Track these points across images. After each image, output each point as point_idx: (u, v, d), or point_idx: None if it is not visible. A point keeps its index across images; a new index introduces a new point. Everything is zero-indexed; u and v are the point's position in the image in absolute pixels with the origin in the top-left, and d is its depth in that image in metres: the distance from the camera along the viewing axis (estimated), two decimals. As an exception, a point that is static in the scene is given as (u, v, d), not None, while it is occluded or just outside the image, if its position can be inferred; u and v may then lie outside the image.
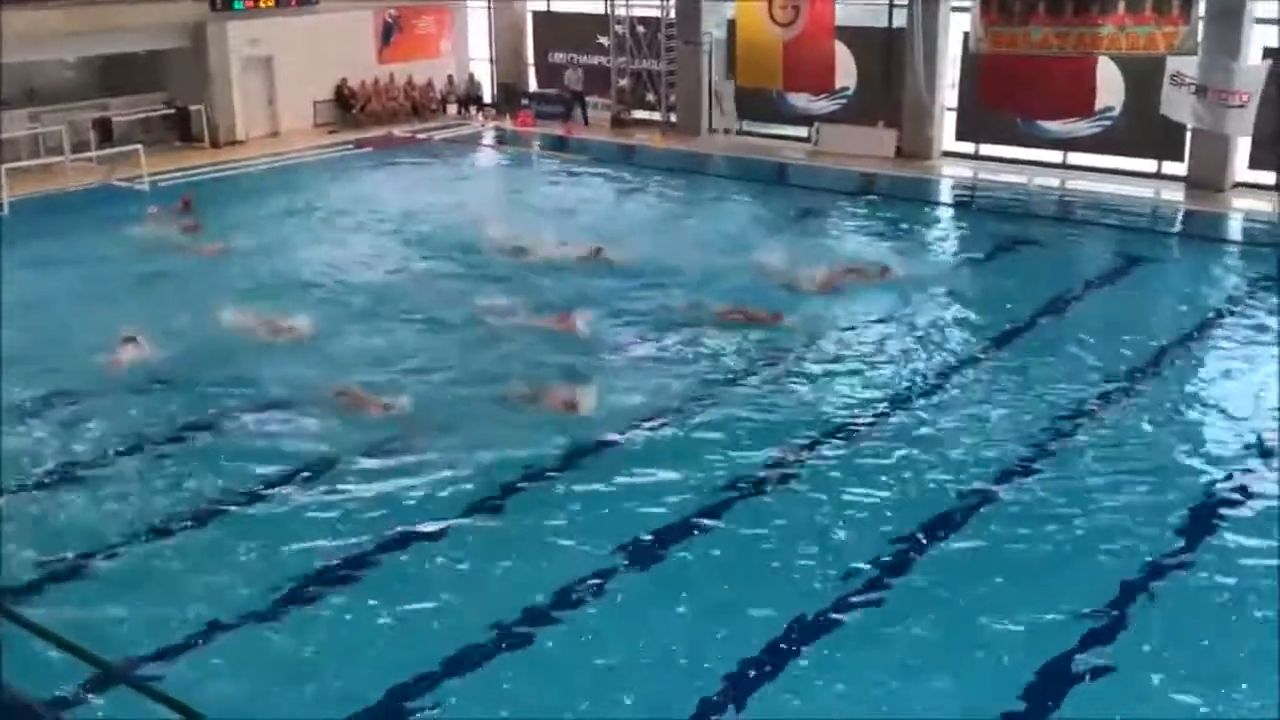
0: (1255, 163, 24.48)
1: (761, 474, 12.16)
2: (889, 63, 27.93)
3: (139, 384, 14.56)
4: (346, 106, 31.79)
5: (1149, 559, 10.55)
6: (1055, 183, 25.74)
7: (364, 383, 14.36)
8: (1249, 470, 12.19)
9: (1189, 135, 24.48)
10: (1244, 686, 8.72)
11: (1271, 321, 16.69)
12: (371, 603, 10.00)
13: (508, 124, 32.81)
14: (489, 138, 31.93)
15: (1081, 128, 25.89)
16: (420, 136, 30.94)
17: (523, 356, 15.33)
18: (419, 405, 13.74)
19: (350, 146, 29.32)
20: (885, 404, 14.07)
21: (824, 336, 16.06)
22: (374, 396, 13.87)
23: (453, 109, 33.96)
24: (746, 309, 16.68)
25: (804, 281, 17.91)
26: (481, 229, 20.88)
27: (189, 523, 11.38)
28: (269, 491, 11.97)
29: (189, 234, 21.10)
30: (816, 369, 15.03)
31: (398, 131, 31.21)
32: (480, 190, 25.98)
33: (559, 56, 33.68)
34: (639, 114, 32.40)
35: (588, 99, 32.58)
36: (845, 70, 28.20)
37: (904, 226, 22.25)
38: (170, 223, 21.53)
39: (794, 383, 14.60)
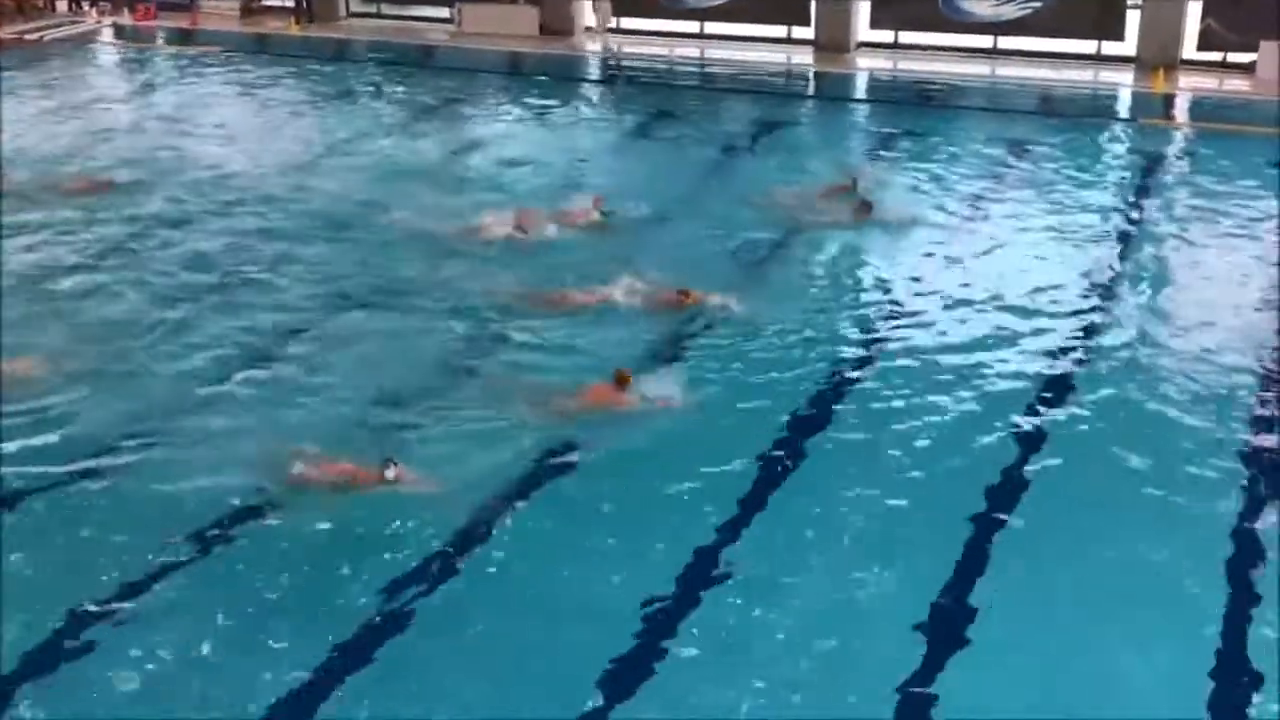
0: (875, 23, 25.95)
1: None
2: (525, -62, 27.75)
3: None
4: (-62, 9, 28.82)
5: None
6: (696, 53, 26.45)
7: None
8: (908, 318, 13.03)
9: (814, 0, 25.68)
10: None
11: (899, 172, 17.85)
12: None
13: (126, 19, 30.61)
14: (107, 35, 29.68)
15: (715, -2, 26.67)
16: (29, 38, 28.42)
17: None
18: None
19: (-52, 53, 26.63)
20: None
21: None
22: (359, 464, 9.65)
23: (62, 5, 31.36)
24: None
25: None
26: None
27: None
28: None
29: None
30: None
31: (2, 34, 28.53)
32: (134, 102, 23.59)
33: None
34: (270, 1, 30.98)
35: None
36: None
37: (553, 104, 22.32)
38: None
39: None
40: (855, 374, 11.66)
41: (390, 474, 9.40)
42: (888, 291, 13.54)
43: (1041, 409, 10.94)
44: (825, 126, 21.60)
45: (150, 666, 7.80)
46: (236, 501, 9.45)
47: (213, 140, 19.77)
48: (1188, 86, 22.75)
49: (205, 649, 7.92)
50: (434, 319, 12.81)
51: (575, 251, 14.48)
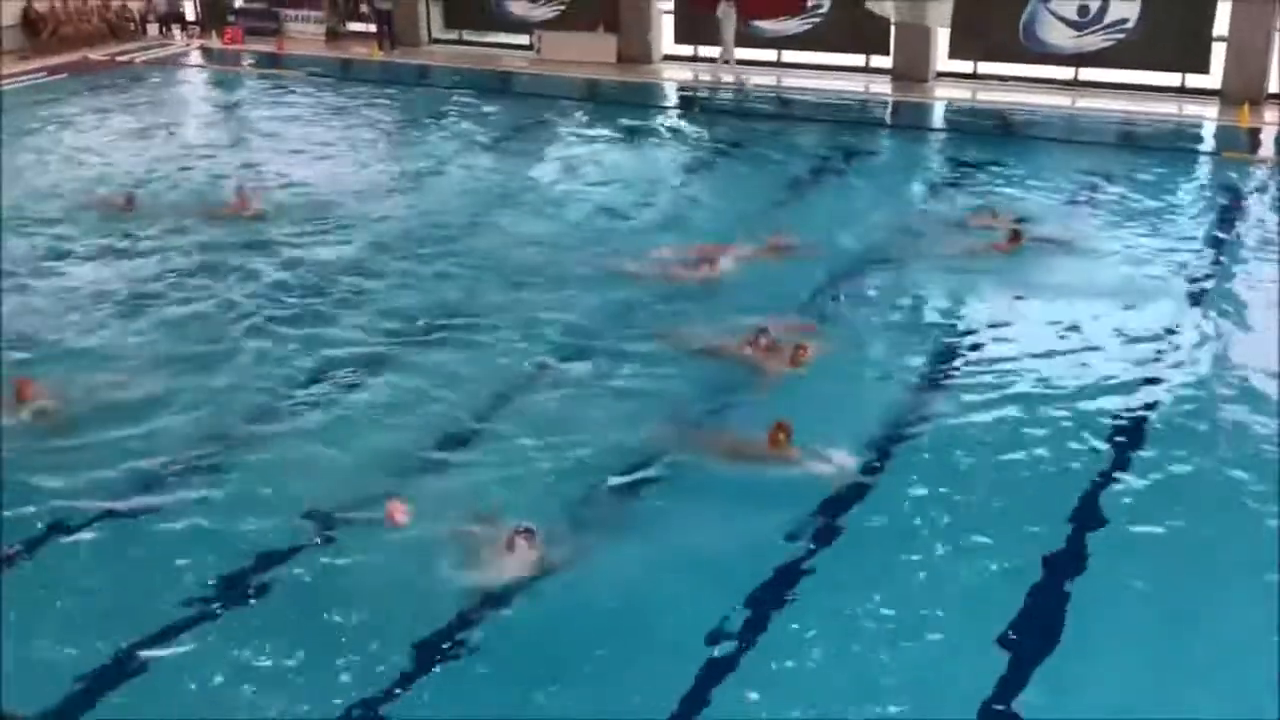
0: (955, 52, 25.86)
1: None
2: (605, -34, 28.00)
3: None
4: (35, 32, 29.57)
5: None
6: (772, 81, 26.49)
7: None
8: (975, 345, 13.17)
9: (893, 29, 25.63)
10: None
11: (973, 198, 18.01)
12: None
13: (214, 42, 31.29)
14: (195, 58, 30.35)
15: (793, 26, 26.71)
16: (121, 60, 29.13)
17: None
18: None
19: (44, 75, 27.32)
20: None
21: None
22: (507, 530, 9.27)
23: (153, 29, 32.15)
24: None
25: None
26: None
27: None
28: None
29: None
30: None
31: (95, 55, 29.31)
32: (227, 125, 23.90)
33: (265, -32, 32.26)
34: (355, 26, 31.54)
35: (297, 12, 31.42)
36: (562, -25, 28.15)
37: (631, 130, 22.47)
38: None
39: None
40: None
41: (521, 547, 9.04)
42: (1002, 325, 13.64)
43: (1135, 441, 11.13)
44: (903, 157, 21.58)
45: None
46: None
47: (314, 163, 20.24)
48: (1275, 120, 22.43)
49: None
50: (553, 350, 13.13)
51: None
